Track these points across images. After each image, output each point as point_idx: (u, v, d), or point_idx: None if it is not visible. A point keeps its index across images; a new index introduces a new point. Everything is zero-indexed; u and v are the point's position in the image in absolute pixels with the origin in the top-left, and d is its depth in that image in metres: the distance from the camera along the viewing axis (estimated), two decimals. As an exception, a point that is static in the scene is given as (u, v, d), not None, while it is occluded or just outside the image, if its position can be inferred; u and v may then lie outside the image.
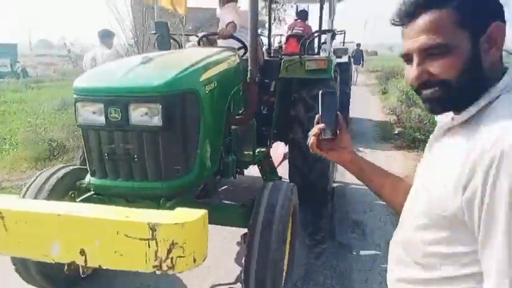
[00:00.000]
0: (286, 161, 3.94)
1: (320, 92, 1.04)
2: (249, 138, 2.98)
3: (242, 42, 3.27)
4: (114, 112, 2.06)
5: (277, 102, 3.82)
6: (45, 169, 2.57)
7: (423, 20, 0.80)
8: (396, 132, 7.31)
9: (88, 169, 2.27)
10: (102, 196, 2.23)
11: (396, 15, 0.84)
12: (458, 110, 0.84)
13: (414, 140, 6.38)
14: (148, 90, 2.06)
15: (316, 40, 5.30)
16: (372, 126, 8.09)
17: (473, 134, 0.77)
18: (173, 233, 1.47)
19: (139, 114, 2.07)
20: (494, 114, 0.76)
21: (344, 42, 8.31)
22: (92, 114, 2.13)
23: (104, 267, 1.58)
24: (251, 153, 3.03)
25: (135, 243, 1.47)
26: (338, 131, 1.06)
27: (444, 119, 0.87)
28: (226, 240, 3.25)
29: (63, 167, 2.56)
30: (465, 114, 0.81)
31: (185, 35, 4.44)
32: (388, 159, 5.76)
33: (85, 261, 1.54)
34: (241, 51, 3.27)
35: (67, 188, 2.38)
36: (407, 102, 9.53)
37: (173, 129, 2.11)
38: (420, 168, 0.98)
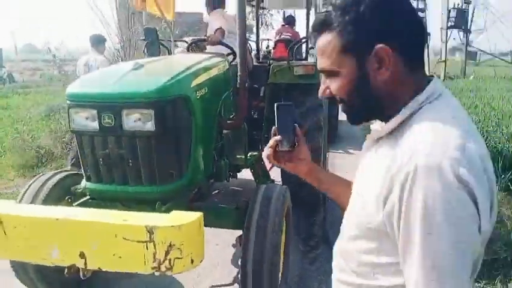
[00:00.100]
0: None
1: (276, 105, 1.05)
2: (241, 142, 3.03)
3: (231, 48, 3.33)
4: (107, 118, 2.10)
5: (267, 107, 3.88)
6: (40, 174, 2.58)
7: (318, 43, 0.85)
8: None
9: (83, 174, 2.30)
10: (98, 201, 2.26)
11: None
12: (385, 120, 0.86)
13: None
14: (141, 97, 2.10)
15: (304, 45, 5.40)
16: (361, 130, 8.17)
17: (394, 147, 0.79)
18: (171, 235, 1.51)
19: (132, 120, 2.11)
20: (414, 126, 0.78)
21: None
22: (86, 120, 2.16)
23: (104, 270, 1.62)
24: (243, 156, 3.08)
25: (133, 246, 1.52)
26: (296, 143, 1.07)
27: (376, 127, 0.90)
28: (218, 248, 3.26)
29: (58, 173, 2.57)
30: (387, 126, 0.83)
31: (174, 41, 4.48)
32: None
33: (85, 263, 1.58)
34: (231, 57, 3.33)
35: (63, 193, 2.40)
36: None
37: (166, 134, 2.15)
38: (357, 174, 0.98)
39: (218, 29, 3.73)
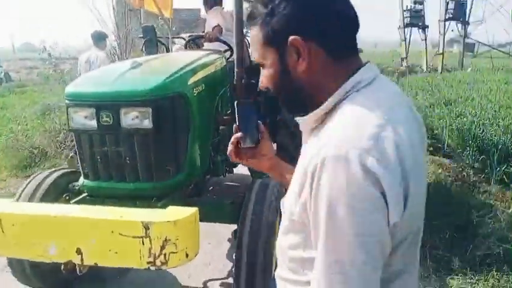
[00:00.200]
0: None
1: (235, 102, 1.06)
2: None
3: (228, 45, 3.36)
4: (106, 116, 2.14)
5: (263, 102, 3.90)
6: (38, 173, 2.62)
7: (250, 35, 0.87)
8: None
9: (81, 172, 2.35)
10: (95, 198, 2.30)
11: None
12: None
13: None
14: (139, 95, 2.15)
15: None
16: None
17: (319, 137, 0.79)
18: (166, 230, 1.55)
19: (130, 118, 2.15)
20: (335, 116, 0.78)
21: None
22: (84, 118, 2.20)
23: (100, 265, 1.66)
24: None
25: (129, 241, 1.55)
26: (259, 140, 1.07)
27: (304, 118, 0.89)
28: (210, 246, 3.25)
29: (56, 171, 2.61)
30: (309, 117, 0.83)
31: (172, 37, 4.50)
32: None
33: (81, 259, 1.62)
34: (228, 54, 3.36)
35: (60, 191, 2.44)
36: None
37: (163, 132, 2.20)
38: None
39: (216, 26, 3.75)
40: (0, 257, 2.47)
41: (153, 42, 3.71)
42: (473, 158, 4.88)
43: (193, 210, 1.66)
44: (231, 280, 2.74)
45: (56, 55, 8.40)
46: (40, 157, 5.64)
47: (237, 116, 1.05)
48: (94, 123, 2.17)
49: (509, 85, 10.08)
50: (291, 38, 0.76)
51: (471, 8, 16.58)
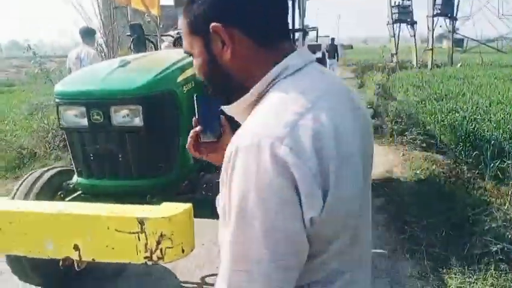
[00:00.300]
0: None
1: (194, 96, 1.03)
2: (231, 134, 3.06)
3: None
4: (96, 114, 2.14)
5: None
6: (33, 171, 2.63)
7: None
8: (372, 121, 7.41)
9: (75, 170, 2.34)
10: (89, 195, 2.30)
11: None
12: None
13: (392, 134, 6.32)
14: (128, 93, 2.15)
15: (296, 36, 5.41)
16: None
17: None
18: (161, 225, 1.56)
19: (121, 116, 2.16)
20: (259, 104, 0.75)
21: (317, 38, 8.47)
22: (75, 117, 2.21)
23: (98, 261, 1.67)
24: None
25: (126, 237, 1.57)
26: (221, 133, 1.03)
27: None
28: (203, 248, 3.22)
29: (50, 169, 2.61)
30: (236, 107, 0.80)
31: (161, 35, 4.48)
32: None
33: (79, 255, 1.63)
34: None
35: (55, 189, 2.44)
36: (383, 95, 9.66)
37: (154, 129, 2.20)
38: None
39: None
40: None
41: (141, 40, 3.69)
42: (467, 154, 4.90)
43: (187, 206, 1.67)
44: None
45: (41, 53, 8.28)
46: (29, 158, 5.54)
47: (196, 108, 1.01)
48: (84, 121, 2.17)
49: (499, 80, 10.22)
50: (212, 25, 0.74)
51: (458, 3, 16.78)
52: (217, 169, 2.80)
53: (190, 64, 2.61)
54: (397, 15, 17.01)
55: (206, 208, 2.43)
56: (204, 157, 1.05)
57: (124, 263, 1.77)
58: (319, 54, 7.84)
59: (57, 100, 2.26)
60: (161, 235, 1.55)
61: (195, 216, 1.74)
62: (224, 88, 0.82)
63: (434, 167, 4.72)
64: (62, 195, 2.36)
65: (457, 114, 6.13)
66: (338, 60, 17.74)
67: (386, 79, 11.95)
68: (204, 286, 2.77)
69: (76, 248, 1.62)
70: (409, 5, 17.21)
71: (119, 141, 2.18)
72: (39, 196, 2.36)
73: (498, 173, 4.26)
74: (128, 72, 2.31)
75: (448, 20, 16.81)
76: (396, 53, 17.56)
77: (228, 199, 0.67)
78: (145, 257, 1.56)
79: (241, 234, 0.66)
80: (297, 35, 5.28)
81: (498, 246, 2.87)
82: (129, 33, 3.83)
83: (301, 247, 0.67)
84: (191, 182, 2.60)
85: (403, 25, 17.50)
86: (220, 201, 0.76)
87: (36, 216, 1.69)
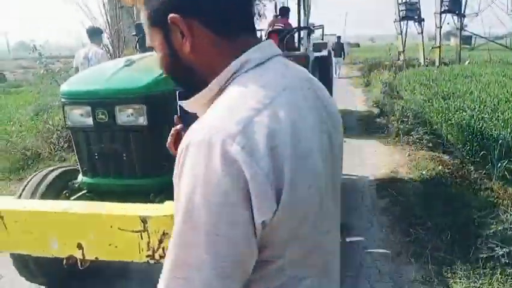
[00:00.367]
0: None
1: (177, 92, 0.99)
2: None
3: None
4: (101, 114, 2.17)
5: None
6: (39, 170, 2.66)
7: None
8: (378, 120, 7.34)
9: (80, 169, 2.37)
10: (94, 194, 2.33)
11: None
12: None
13: (398, 133, 6.23)
14: (133, 92, 2.17)
15: (296, 36, 5.40)
16: (356, 119, 8.19)
17: None
18: (164, 224, 1.57)
19: (125, 115, 2.18)
20: (217, 99, 0.71)
21: (323, 36, 8.41)
22: (80, 116, 2.25)
23: (101, 259, 1.69)
24: None
25: (128, 236, 1.58)
26: None
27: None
28: None
29: (56, 168, 2.64)
30: (194, 102, 0.76)
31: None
32: (374, 153, 5.74)
33: (83, 254, 1.66)
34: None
35: (60, 188, 2.47)
36: (390, 94, 9.58)
37: (158, 128, 2.21)
38: None
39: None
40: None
41: (146, 40, 3.69)
42: (474, 153, 4.83)
43: (190, 204, 1.67)
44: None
45: (46, 54, 8.33)
46: (33, 159, 5.53)
47: (178, 106, 0.98)
48: (90, 120, 2.21)
49: (507, 78, 10.09)
50: (170, 16, 0.71)
51: (466, 0, 16.57)
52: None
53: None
54: (404, 12, 16.83)
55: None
56: None
57: (126, 262, 1.78)
58: (325, 52, 7.80)
59: (63, 100, 2.30)
60: (164, 233, 1.56)
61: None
62: (187, 83, 0.79)
63: (440, 167, 4.66)
64: (67, 194, 2.39)
65: (464, 113, 6.04)
66: (344, 58, 17.66)
67: (392, 77, 11.86)
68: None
69: (80, 246, 1.64)
70: (416, 2, 17.01)
71: (124, 141, 2.21)
72: (45, 195, 2.39)
73: (506, 173, 4.20)
74: (133, 72, 2.33)
75: (455, 17, 16.62)
76: (404, 51, 17.41)
77: (177, 198, 0.64)
78: (147, 256, 1.57)
79: (184, 237, 0.62)
80: (302, 33, 5.26)
81: (504, 250, 2.82)
82: (135, 33, 3.85)
83: (247, 255, 0.63)
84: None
85: (410, 22, 17.33)
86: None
87: (41, 215, 1.72)
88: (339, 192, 0.83)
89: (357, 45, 48.74)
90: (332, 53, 11.85)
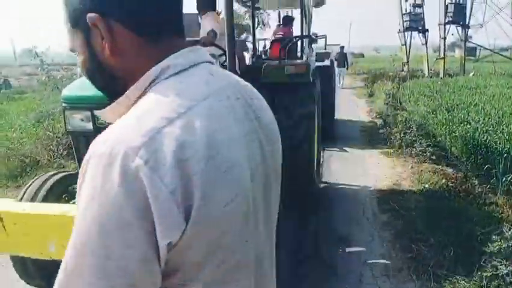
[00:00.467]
0: None
1: None
2: None
3: (222, 49, 3.32)
4: (101, 118, 2.15)
5: None
6: (41, 174, 2.71)
7: None
8: (381, 131, 7.28)
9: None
10: None
11: None
12: None
13: (400, 145, 6.12)
14: None
15: (299, 44, 5.37)
16: (359, 130, 8.11)
17: None
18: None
19: None
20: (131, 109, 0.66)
21: (325, 46, 8.40)
22: (81, 121, 2.32)
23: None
24: None
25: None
26: None
27: None
28: None
29: (58, 173, 2.67)
30: (110, 110, 0.71)
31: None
32: (377, 165, 5.64)
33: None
34: (223, 58, 3.31)
35: (61, 193, 2.49)
36: (393, 105, 9.54)
37: None
38: None
39: (210, 30, 3.73)
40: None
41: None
42: (478, 167, 4.75)
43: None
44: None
45: (48, 61, 8.34)
46: (32, 166, 5.48)
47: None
48: (90, 125, 2.28)
49: (512, 90, 10.02)
50: (89, 15, 0.66)
51: (471, 11, 16.55)
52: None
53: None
54: (408, 22, 16.85)
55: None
56: None
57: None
58: (327, 62, 7.76)
59: (63, 105, 2.37)
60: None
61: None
62: (109, 89, 0.73)
63: (443, 180, 4.57)
64: (66, 198, 2.41)
65: (468, 126, 5.98)
66: (347, 68, 17.64)
67: (396, 88, 11.81)
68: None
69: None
70: (421, 13, 17.03)
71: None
72: (45, 199, 2.42)
73: (510, 187, 4.11)
74: None
75: (459, 28, 16.60)
76: (408, 62, 17.38)
77: (77, 209, 0.58)
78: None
79: (75, 258, 0.56)
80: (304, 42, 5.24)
81: (509, 268, 2.72)
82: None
83: (143, 281, 0.57)
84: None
85: (414, 33, 17.33)
86: None
87: (40, 217, 1.74)
88: (274, 206, 0.79)
89: (362, 55, 48.77)
90: (335, 63, 11.86)
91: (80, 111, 2.29)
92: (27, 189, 2.49)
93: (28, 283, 2.52)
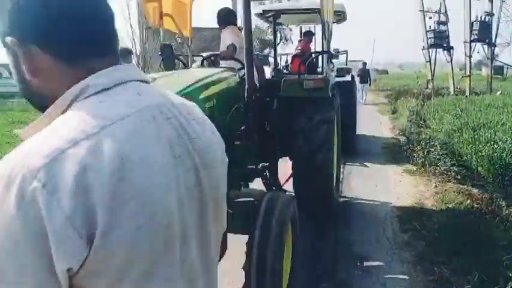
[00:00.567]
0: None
1: None
2: (251, 153, 3.04)
3: (242, 63, 3.35)
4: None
5: (279, 119, 3.89)
6: None
7: None
8: (403, 148, 7.14)
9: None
10: None
11: None
12: None
13: (424, 163, 5.94)
14: None
15: (320, 59, 5.38)
16: (381, 147, 7.96)
17: None
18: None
19: None
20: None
21: (346, 62, 8.35)
22: None
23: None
24: (254, 167, 3.10)
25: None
26: None
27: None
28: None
29: None
30: (28, 131, 0.69)
31: (193, 56, 4.57)
32: (398, 183, 5.49)
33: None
34: (242, 72, 3.34)
35: None
36: (417, 122, 9.38)
37: None
38: None
39: (230, 44, 3.77)
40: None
41: (171, 60, 3.77)
42: (505, 188, 4.58)
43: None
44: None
45: None
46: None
47: None
48: None
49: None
50: (6, 39, 0.66)
51: (497, 29, 16.17)
52: (238, 187, 2.78)
53: (213, 82, 2.64)
54: (433, 40, 16.60)
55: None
56: None
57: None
58: (348, 78, 7.71)
59: None
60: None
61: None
62: (42, 110, 0.70)
63: (468, 201, 4.40)
64: None
65: (495, 145, 5.78)
66: (370, 84, 17.48)
67: (420, 105, 11.59)
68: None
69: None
70: (445, 30, 16.76)
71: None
72: None
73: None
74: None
75: (485, 46, 16.24)
76: (432, 79, 17.07)
77: None
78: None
79: None
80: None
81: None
82: (160, 53, 3.94)
83: None
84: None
85: (439, 50, 17.05)
86: None
87: None
88: (214, 233, 0.76)
89: (386, 72, 48.35)
90: (357, 78, 11.78)
91: None
92: None
93: None
